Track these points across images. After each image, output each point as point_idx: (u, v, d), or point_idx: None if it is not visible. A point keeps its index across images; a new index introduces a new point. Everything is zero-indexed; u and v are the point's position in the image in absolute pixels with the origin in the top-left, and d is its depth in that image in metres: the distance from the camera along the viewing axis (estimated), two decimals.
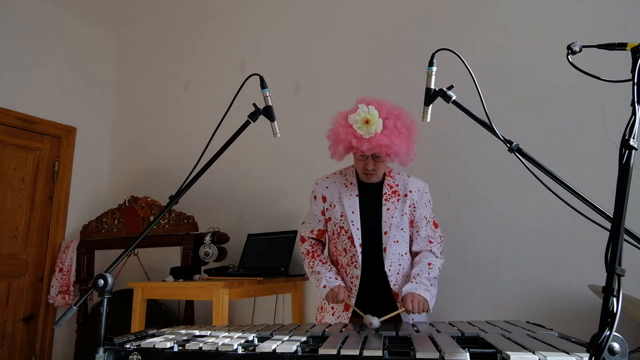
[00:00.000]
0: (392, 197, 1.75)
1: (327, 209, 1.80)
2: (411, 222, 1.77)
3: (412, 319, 1.68)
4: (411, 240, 1.79)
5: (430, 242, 1.76)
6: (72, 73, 3.81)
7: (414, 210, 1.76)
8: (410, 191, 1.75)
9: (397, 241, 1.72)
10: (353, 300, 1.70)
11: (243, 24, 3.43)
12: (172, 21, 3.89)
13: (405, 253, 1.75)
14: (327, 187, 1.82)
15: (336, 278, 1.71)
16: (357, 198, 1.75)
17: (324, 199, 1.81)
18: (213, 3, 3.64)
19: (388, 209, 1.73)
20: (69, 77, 3.79)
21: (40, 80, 3.58)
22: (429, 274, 1.66)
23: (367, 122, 1.53)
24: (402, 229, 1.73)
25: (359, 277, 1.71)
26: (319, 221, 1.84)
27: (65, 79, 3.76)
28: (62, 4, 3.68)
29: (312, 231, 1.87)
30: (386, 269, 1.70)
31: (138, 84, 4.06)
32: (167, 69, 3.85)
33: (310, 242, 1.88)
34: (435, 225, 1.81)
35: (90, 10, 3.79)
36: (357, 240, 1.70)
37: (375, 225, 1.72)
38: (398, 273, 1.72)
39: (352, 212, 1.73)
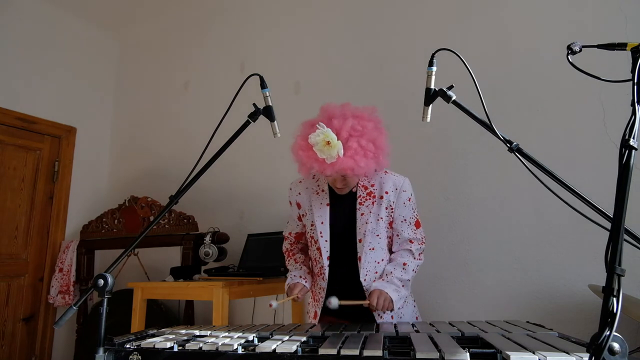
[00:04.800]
0: (366, 199, 1.62)
1: (303, 215, 1.74)
2: (390, 224, 1.66)
3: (381, 317, 1.63)
4: (390, 243, 1.69)
5: (411, 242, 1.65)
6: (72, 73, 3.81)
7: (392, 212, 1.64)
8: (387, 192, 1.62)
9: (373, 248, 1.62)
10: (318, 312, 1.68)
11: (243, 24, 3.43)
12: (172, 21, 3.89)
13: (382, 260, 1.64)
14: (299, 194, 1.74)
15: (300, 276, 1.68)
16: (328, 207, 1.66)
17: (299, 206, 1.75)
18: (213, 3, 3.64)
19: (362, 214, 1.61)
20: (69, 77, 3.79)
21: (40, 80, 3.58)
22: (402, 275, 1.58)
23: (327, 143, 1.40)
24: (377, 235, 1.62)
25: (325, 290, 1.65)
26: (297, 225, 1.81)
27: (65, 79, 3.76)
28: (62, 4, 3.68)
29: (290, 233, 1.85)
30: (361, 279, 1.61)
31: (138, 84, 4.06)
32: (167, 69, 3.85)
33: (290, 241, 1.87)
34: (417, 225, 1.68)
35: (90, 10, 3.79)
36: (325, 253, 1.63)
37: (348, 233, 1.63)
38: (374, 281, 1.61)
39: (322, 223, 1.65)
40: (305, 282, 1.68)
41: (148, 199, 3.27)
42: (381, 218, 1.63)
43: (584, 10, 2.12)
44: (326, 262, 1.64)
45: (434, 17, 2.56)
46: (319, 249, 1.65)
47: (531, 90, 2.19)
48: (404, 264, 1.61)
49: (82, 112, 3.86)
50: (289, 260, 1.81)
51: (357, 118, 1.47)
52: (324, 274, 1.65)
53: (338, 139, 1.42)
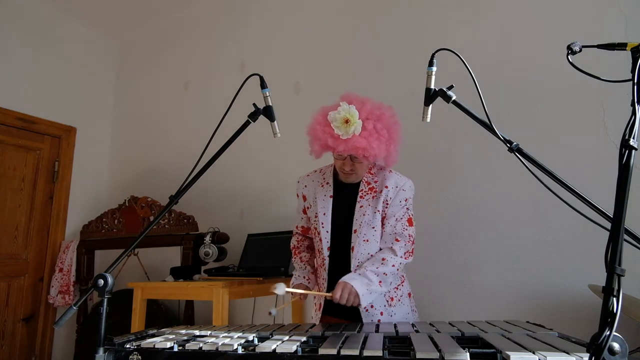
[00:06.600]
0: (367, 194, 1.65)
1: (308, 208, 1.77)
2: (383, 218, 1.65)
3: (372, 308, 1.61)
4: None
5: (397, 240, 1.61)
6: (72, 73, 3.82)
7: (386, 207, 1.63)
8: (387, 187, 1.63)
9: (367, 240, 1.61)
10: (322, 304, 1.69)
11: (243, 24, 3.43)
12: (171, 21, 3.89)
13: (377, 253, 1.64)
14: (305, 186, 1.79)
15: (304, 277, 1.73)
16: (331, 200, 1.69)
17: (304, 198, 1.78)
18: (213, 3, 3.64)
19: (361, 206, 1.63)
20: (69, 77, 3.79)
21: (40, 80, 3.58)
22: (377, 269, 1.53)
23: (346, 121, 1.46)
24: (373, 228, 1.62)
25: (327, 280, 1.66)
26: (302, 218, 1.84)
27: (65, 79, 3.76)
28: (63, 5, 3.68)
29: (297, 227, 1.88)
30: (352, 270, 1.59)
31: (138, 84, 4.06)
32: (167, 69, 3.86)
33: (297, 238, 1.88)
34: (410, 223, 1.65)
35: (90, 11, 3.79)
36: (325, 244, 1.66)
37: (347, 224, 1.65)
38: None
39: (324, 214, 1.68)
40: (308, 282, 1.73)
41: (148, 199, 3.27)
42: (378, 211, 1.63)
43: (584, 10, 2.12)
44: (326, 253, 1.66)
45: (434, 17, 2.55)
46: (320, 240, 1.68)
47: (531, 90, 2.19)
48: (383, 259, 1.56)
49: (82, 112, 3.86)
50: (294, 258, 1.85)
51: (376, 105, 1.54)
52: (325, 264, 1.67)
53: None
